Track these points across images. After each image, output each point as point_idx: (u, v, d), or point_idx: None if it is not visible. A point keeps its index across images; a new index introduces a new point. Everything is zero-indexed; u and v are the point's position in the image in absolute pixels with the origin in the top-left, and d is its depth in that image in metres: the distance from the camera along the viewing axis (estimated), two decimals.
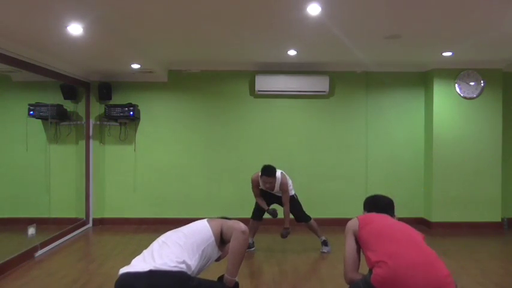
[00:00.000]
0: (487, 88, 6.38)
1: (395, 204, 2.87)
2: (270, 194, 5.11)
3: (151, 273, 2.32)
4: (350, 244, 2.49)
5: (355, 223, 2.52)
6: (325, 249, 5.16)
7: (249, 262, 4.87)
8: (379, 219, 2.54)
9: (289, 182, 5.09)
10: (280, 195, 5.06)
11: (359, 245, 2.48)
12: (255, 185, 5.08)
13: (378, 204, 2.76)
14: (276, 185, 4.99)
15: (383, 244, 2.31)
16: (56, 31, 4.10)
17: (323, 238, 5.21)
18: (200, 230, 2.66)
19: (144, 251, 2.55)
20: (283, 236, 5.00)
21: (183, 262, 2.40)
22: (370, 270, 2.32)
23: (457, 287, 2.24)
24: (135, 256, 2.58)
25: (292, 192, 5.14)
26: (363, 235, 2.43)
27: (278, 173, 4.99)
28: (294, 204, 5.13)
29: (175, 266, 2.36)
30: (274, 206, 5.20)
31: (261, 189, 5.09)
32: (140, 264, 2.40)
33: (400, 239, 2.34)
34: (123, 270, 2.39)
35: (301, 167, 6.64)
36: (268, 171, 4.88)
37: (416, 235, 2.43)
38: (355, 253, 2.47)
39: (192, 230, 2.67)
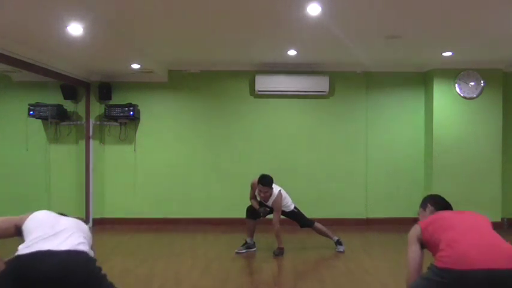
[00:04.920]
0: (487, 88, 6.38)
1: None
2: (265, 204, 5.16)
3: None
4: (414, 251, 2.53)
5: (418, 230, 2.57)
6: (340, 248, 5.16)
7: (249, 261, 4.87)
8: (440, 216, 2.59)
9: (286, 199, 5.13)
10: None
11: (426, 247, 2.52)
12: (253, 188, 5.12)
13: (441, 202, 2.84)
14: (270, 199, 5.03)
15: (445, 234, 2.36)
16: (56, 31, 4.10)
17: (336, 238, 5.23)
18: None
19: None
20: (276, 254, 5.01)
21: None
22: (431, 265, 2.36)
23: None
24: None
25: (291, 207, 5.18)
26: (427, 237, 2.48)
27: (276, 189, 5.03)
28: (296, 216, 5.20)
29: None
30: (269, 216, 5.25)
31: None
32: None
33: (460, 226, 2.39)
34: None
35: (301, 167, 6.64)
36: (264, 180, 4.91)
37: (479, 220, 2.47)
38: (420, 259, 2.52)
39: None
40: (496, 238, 2.32)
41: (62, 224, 2.41)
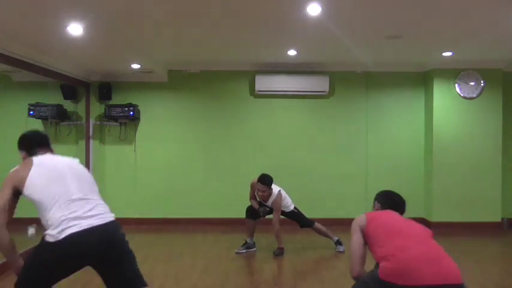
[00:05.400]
0: (487, 88, 6.38)
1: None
2: (265, 204, 5.17)
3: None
4: (357, 239, 2.50)
5: (363, 219, 2.54)
6: (340, 248, 5.17)
7: (249, 261, 4.88)
8: (387, 215, 2.58)
9: (286, 200, 5.13)
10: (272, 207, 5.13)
11: (365, 241, 2.49)
12: (253, 188, 5.13)
13: (393, 199, 2.79)
14: (270, 199, 5.04)
15: (390, 239, 2.33)
16: (56, 31, 4.10)
17: (336, 238, 5.23)
18: None
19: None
20: (276, 254, 5.02)
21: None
22: (377, 265, 2.33)
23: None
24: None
25: (291, 207, 5.19)
26: (369, 230, 2.45)
27: (276, 189, 5.04)
28: (296, 216, 5.21)
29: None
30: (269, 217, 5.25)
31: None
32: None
33: (407, 234, 2.36)
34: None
35: (301, 167, 6.64)
36: (263, 179, 4.93)
37: (423, 231, 2.45)
38: (362, 248, 2.49)
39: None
40: (440, 251, 2.29)
41: (76, 190, 2.39)
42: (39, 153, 2.57)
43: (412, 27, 4.42)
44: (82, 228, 2.25)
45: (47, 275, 2.31)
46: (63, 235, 2.23)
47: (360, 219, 2.55)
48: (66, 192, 2.36)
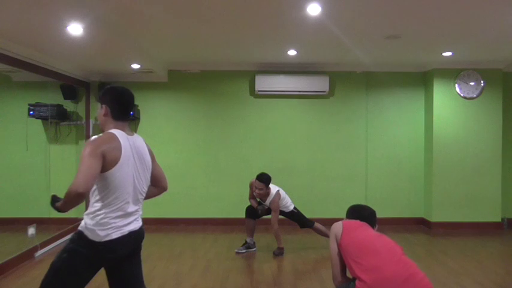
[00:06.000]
0: (487, 88, 6.38)
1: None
2: (264, 204, 5.17)
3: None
4: (334, 249, 2.54)
5: (339, 228, 2.55)
6: None
7: (249, 261, 4.87)
8: (362, 229, 2.58)
9: (285, 200, 5.13)
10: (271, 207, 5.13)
11: (339, 251, 2.52)
12: (252, 187, 5.14)
13: (361, 213, 2.79)
14: (268, 198, 5.04)
15: (366, 257, 2.35)
16: (56, 31, 4.09)
17: None
18: None
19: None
20: (276, 254, 5.03)
21: None
22: (354, 280, 2.36)
23: None
24: None
25: (291, 208, 5.19)
26: (344, 243, 2.47)
27: (274, 189, 5.04)
28: (296, 216, 5.21)
29: None
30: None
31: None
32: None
33: (383, 253, 2.38)
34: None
35: (301, 167, 6.65)
36: (261, 177, 4.95)
37: (397, 248, 2.46)
38: (339, 256, 2.52)
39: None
40: (413, 268, 2.31)
41: (133, 202, 2.39)
42: (122, 122, 2.36)
43: (412, 27, 4.42)
44: (124, 234, 2.32)
45: (81, 273, 2.24)
46: (108, 238, 2.26)
47: (336, 229, 2.56)
48: (128, 200, 2.35)
